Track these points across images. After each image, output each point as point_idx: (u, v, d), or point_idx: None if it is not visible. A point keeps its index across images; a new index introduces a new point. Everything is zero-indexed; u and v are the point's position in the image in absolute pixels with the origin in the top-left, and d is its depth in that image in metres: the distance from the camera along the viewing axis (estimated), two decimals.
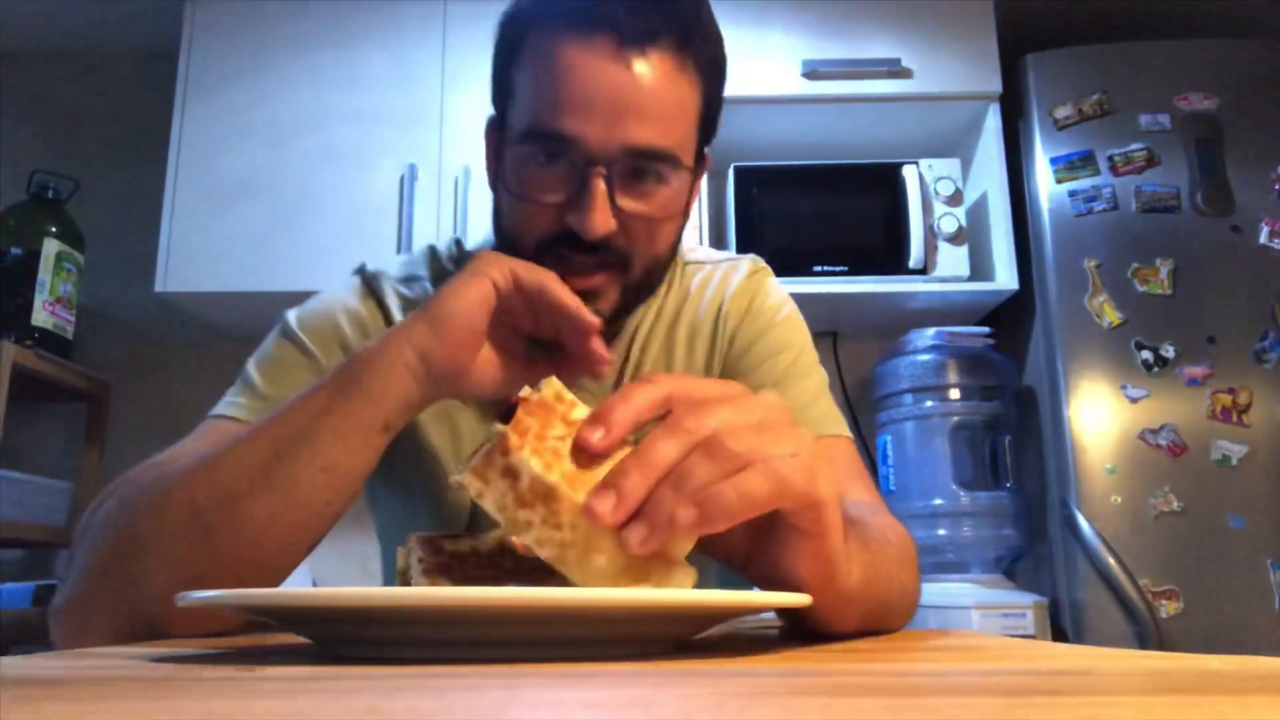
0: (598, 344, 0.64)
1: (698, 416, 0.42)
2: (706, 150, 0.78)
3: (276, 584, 0.61)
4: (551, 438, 0.41)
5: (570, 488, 0.40)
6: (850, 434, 0.82)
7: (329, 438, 0.59)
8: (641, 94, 0.67)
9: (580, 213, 0.68)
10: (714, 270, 0.89)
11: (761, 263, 0.91)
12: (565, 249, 0.70)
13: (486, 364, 0.64)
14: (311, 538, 0.62)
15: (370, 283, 0.83)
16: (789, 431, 0.44)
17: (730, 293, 0.86)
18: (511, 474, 0.40)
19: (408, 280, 0.84)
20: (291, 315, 0.81)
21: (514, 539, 0.49)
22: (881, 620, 0.60)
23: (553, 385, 0.44)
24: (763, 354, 0.83)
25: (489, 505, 0.41)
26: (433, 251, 0.87)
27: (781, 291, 0.89)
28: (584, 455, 0.42)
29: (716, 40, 0.73)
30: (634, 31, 0.67)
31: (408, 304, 0.82)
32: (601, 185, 0.67)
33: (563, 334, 0.64)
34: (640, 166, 0.69)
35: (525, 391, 0.44)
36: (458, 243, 0.88)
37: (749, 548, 0.49)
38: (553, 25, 0.68)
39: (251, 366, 0.78)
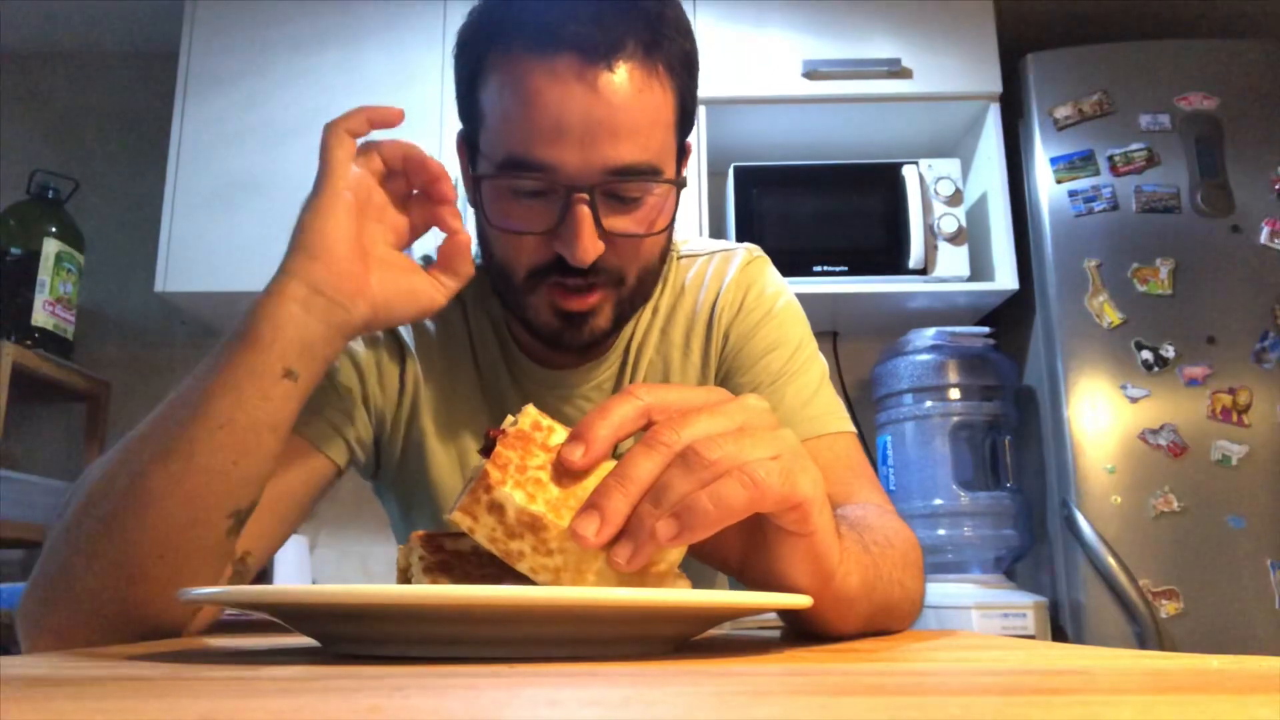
0: (451, 215, 0.67)
1: (675, 428, 0.43)
2: (687, 141, 0.76)
3: (197, 565, 0.58)
4: (532, 467, 0.42)
5: (555, 513, 0.41)
6: (853, 428, 0.80)
7: (222, 393, 0.57)
8: (614, 112, 0.65)
9: (568, 241, 0.67)
10: (708, 262, 0.86)
11: (757, 251, 0.88)
12: (558, 275, 0.69)
13: (382, 283, 0.64)
14: (223, 503, 0.58)
15: None
16: (769, 434, 0.44)
17: (724, 287, 0.83)
18: (497, 508, 0.41)
19: None
20: None
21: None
22: (884, 623, 0.60)
23: (529, 414, 0.44)
24: (757, 351, 0.81)
25: (481, 540, 0.42)
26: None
27: (777, 281, 0.86)
28: (567, 474, 0.42)
29: (684, 33, 0.70)
30: (598, 46, 0.64)
31: (414, 324, 0.81)
32: (586, 211, 0.66)
33: (427, 194, 0.67)
34: (622, 185, 0.68)
35: (507, 423, 0.44)
36: None
37: (743, 553, 0.49)
38: (513, 46, 0.66)
39: None
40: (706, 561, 0.51)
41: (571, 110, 0.64)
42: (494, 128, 0.68)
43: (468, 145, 0.74)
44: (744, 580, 0.50)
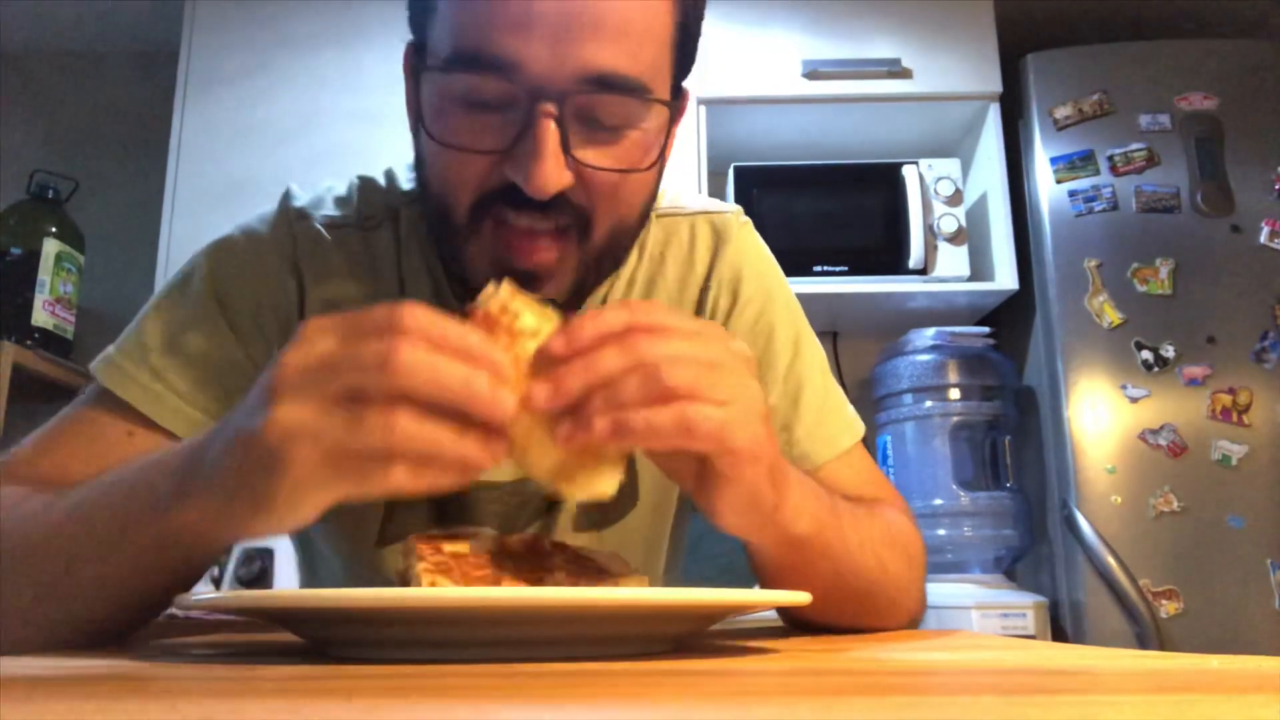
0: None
1: (652, 342, 0.44)
2: (685, 87, 0.63)
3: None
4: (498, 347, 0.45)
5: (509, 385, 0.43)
6: (861, 426, 0.76)
7: (136, 560, 0.49)
8: (600, 5, 0.52)
9: (524, 164, 0.53)
10: (690, 228, 0.75)
11: (743, 216, 0.77)
12: (507, 209, 0.56)
13: None
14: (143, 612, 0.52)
15: (292, 222, 0.69)
16: (735, 379, 0.46)
17: (714, 267, 0.74)
18: None
19: (337, 226, 0.70)
20: (209, 257, 0.68)
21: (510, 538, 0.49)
22: (862, 595, 0.60)
23: (498, 299, 0.46)
24: (759, 355, 0.74)
25: None
26: (367, 188, 0.73)
27: (766, 256, 0.78)
28: (546, 363, 0.44)
29: None
30: None
31: (320, 259, 0.67)
32: (551, 127, 0.53)
33: None
34: (601, 101, 0.54)
35: (486, 294, 0.46)
36: (389, 177, 0.75)
37: (697, 480, 0.50)
38: None
39: (151, 317, 0.66)
40: (670, 476, 0.52)
41: None
42: (445, 16, 0.55)
43: (416, 56, 0.60)
44: (697, 504, 0.52)
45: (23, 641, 0.50)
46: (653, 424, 0.43)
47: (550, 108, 0.53)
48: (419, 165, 0.61)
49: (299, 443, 0.40)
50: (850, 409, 0.77)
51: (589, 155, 0.55)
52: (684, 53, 0.60)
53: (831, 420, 0.74)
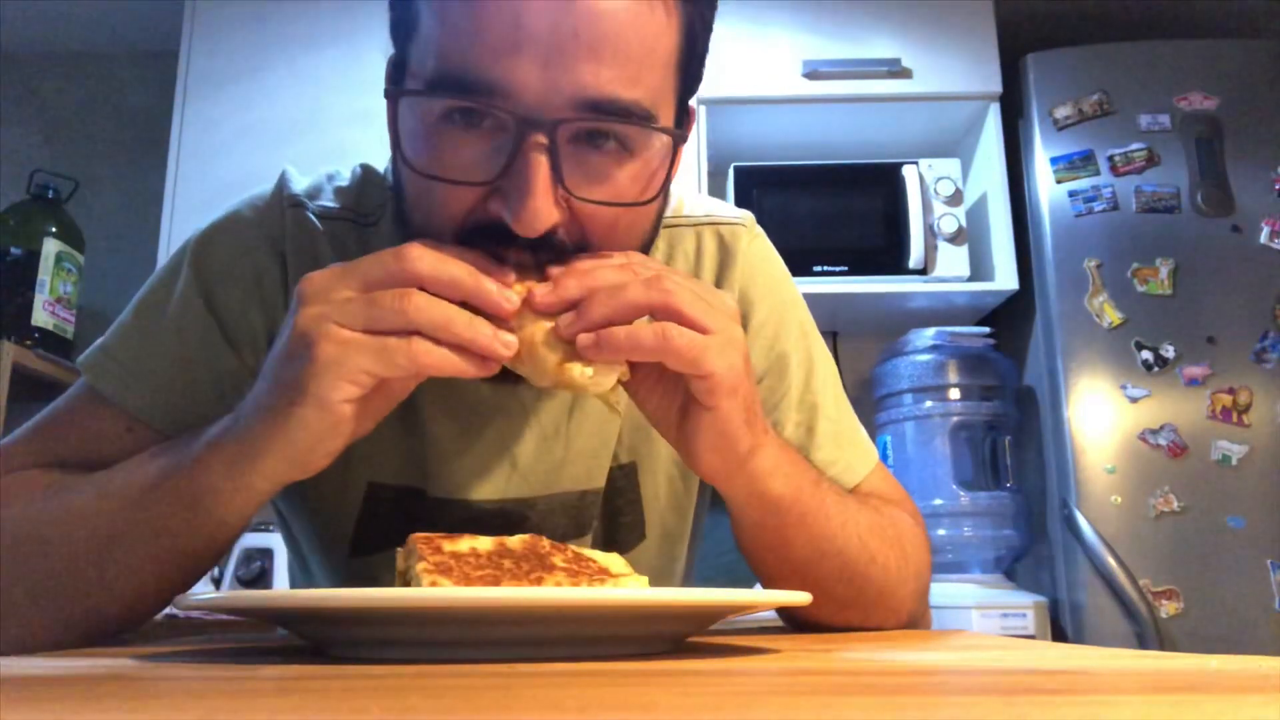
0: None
1: (648, 264, 0.50)
2: (692, 104, 0.58)
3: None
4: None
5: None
6: (874, 448, 0.75)
7: (165, 543, 0.52)
8: (594, 23, 0.48)
9: (512, 199, 0.49)
10: (697, 238, 0.71)
11: (755, 225, 0.73)
12: (491, 245, 0.51)
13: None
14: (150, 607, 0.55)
15: (285, 209, 0.66)
16: (723, 319, 0.50)
17: (723, 282, 0.70)
18: None
19: (333, 218, 0.67)
20: (195, 253, 0.65)
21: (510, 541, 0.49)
22: (845, 579, 0.60)
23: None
24: (774, 382, 0.71)
25: None
26: (368, 179, 0.71)
27: (776, 270, 0.74)
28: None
29: None
30: None
31: (309, 251, 0.64)
32: (542, 159, 0.48)
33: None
34: (597, 130, 0.50)
35: None
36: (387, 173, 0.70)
37: (679, 420, 0.53)
38: None
39: (139, 317, 0.65)
40: (658, 425, 0.55)
41: (535, 13, 0.47)
42: (427, 35, 0.51)
43: (397, 73, 0.55)
44: (678, 450, 0.55)
45: (63, 622, 0.53)
46: (635, 337, 0.47)
47: (541, 138, 0.48)
48: (397, 191, 0.57)
49: (325, 324, 0.46)
50: (863, 432, 0.75)
51: (584, 189, 0.51)
52: (689, 74, 0.56)
53: (848, 449, 0.72)
